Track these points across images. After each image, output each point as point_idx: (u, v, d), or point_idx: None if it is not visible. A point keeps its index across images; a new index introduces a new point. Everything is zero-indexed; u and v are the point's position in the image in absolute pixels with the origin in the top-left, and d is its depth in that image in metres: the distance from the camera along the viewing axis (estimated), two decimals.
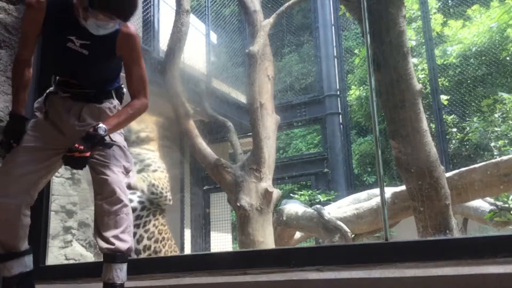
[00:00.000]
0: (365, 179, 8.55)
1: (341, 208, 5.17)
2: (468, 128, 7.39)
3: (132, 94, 2.02)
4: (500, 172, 4.06)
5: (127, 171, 2.04)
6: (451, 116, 7.61)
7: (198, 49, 8.09)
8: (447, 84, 7.74)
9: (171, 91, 5.18)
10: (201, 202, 8.36)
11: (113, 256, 1.88)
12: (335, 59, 8.60)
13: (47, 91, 2.09)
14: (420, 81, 6.55)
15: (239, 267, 2.19)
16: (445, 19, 8.23)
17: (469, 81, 7.73)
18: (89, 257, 4.70)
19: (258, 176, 4.73)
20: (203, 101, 6.84)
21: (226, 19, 9.26)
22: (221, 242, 8.40)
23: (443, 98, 7.24)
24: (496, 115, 7.06)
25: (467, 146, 7.46)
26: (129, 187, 4.10)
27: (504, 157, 4.19)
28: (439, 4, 8.59)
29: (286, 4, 5.83)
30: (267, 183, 4.79)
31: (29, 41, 1.98)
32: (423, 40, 7.55)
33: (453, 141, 7.58)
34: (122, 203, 1.93)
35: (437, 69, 7.41)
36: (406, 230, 4.71)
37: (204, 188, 8.41)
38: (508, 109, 6.93)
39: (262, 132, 4.84)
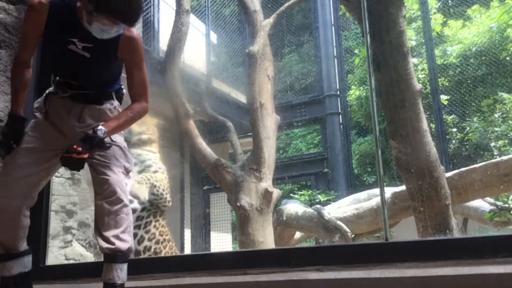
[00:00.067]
0: (365, 179, 8.55)
1: (341, 208, 5.17)
2: (468, 128, 7.39)
3: (132, 97, 2.02)
4: (500, 172, 4.06)
5: (127, 171, 2.04)
6: (451, 116, 7.61)
7: (198, 49, 8.09)
8: (447, 84, 7.74)
9: (171, 91, 5.19)
10: (201, 202, 8.36)
11: (113, 256, 1.88)
12: (335, 59, 8.60)
13: (47, 91, 2.08)
14: (420, 81, 6.55)
15: (239, 267, 2.19)
16: (445, 19, 8.23)
17: (469, 81, 7.73)
18: (89, 257, 4.70)
19: (258, 176, 4.73)
20: (203, 101, 6.84)
21: (226, 19, 9.26)
22: (221, 242, 8.40)
23: (443, 98, 7.24)
24: (496, 115, 7.06)
25: (467, 146, 7.46)
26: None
27: (504, 157, 4.19)
28: (439, 4, 8.59)
29: (286, 4, 5.83)
30: (267, 183, 4.79)
31: (30, 42, 1.97)
32: (423, 40, 7.55)
33: (453, 141, 7.59)
34: (123, 203, 1.93)
35: (437, 69, 7.41)
36: (406, 230, 4.71)
37: (204, 188, 8.41)
38: (508, 109, 6.93)
39: (262, 132, 4.84)
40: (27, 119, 2.02)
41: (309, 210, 5.20)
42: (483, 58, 7.63)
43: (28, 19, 1.94)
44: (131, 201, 2.25)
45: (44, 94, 2.09)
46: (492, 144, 6.96)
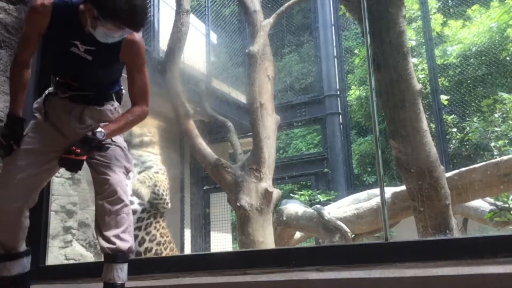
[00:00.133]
0: (365, 179, 8.55)
1: (341, 208, 5.17)
2: (468, 128, 7.39)
3: (133, 100, 2.01)
4: (500, 172, 4.06)
5: (127, 172, 2.04)
6: (451, 116, 7.62)
7: (198, 49, 8.09)
8: (447, 84, 7.74)
9: (171, 91, 5.19)
10: (201, 202, 8.36)
11: (114, 256, 1.88)
12: (335, 59, 8.60)
13: (46, 92, 2.07)
14: (420, 81, 6.55)
15: (239, 267, 2.19)
16: (445, 19, 8.24)
17: (469, 81, 7.73)
18: (89, 257, 4.70)
19: (258, 176, 4.73)
20: (203, 101, 6.84)
21: (226, 19, 9.26)
22: (221, 242, 8.40)
23: (443, 98, 7.24)
24: (496, 115, 7.06)
25: (467, 146, 7.46)
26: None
27: (504, 157, 4.19)
28: (439, 4, 8.59)
29: (286, 4, 5.83)
30: (267, 183, 4.79)
31: (30, 43, 1.97)
32: (423, 40, 7.55)
33: (453, 141, 7.59)
34: (123, 203, 1.93)
35: (437, 69, 7.41)
36: (406, 230, 4.71)
37: (204, 188, 8.41)
38: (508, 109, 6.93)
39: (262, 132, 4.84)
40: (26, 119, 2.01)
41: (309, 210, 5.20)
42: (483, 58, 7.63)
43: (30, 21, 1.93)
44: (131, 202, 2.25)
45: (44, 95, 2.08)
46: (492, 144, 6.97)
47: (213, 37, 8.94)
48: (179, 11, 5.38)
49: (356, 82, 8.82)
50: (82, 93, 2.00)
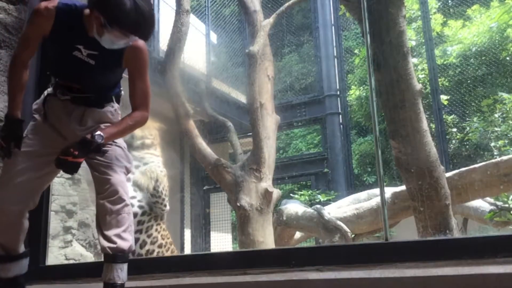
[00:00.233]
0: (365, 179, 8.55)
1: (341, 208, 5.17)
2: (468, 128, 7.39)
3: (133, 106, 2.00)
4: (500, 172, 4.06)
5: (128, 172, 2.05)
6: (451, 116, 7.62)
7: (198, 49, 8.09)
8: (447, 84, 7.75)
9: (171, 91, 5.19)
10: (201, 202, 8.36)
11: (114, 256, 1.88)
12: (335, 59, 8.61)
13: (45, 92, 2.06)
14: (420, 81, 6.55)
15: (239, 267, 2.19)
16: (445, 19, 8.24)
17: (469, 81, 7.73)
18: (89, 257, 4.70)
19: (258, 176, 4.73)
20: (203, 101, 6.84)
21: (226, 19, 9.27)
22: (221, 242, 8.40)
23: (443, 98, 7.24)
24: (496, 115, 7.06)
25: (467, 146, 7.46)
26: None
27: (504, 157, 4.19)
28: (439, 4, 8.59)
29: (286, 4, 5.83)
30: (267, 183, 4.79)
31: (31, 45, 1.95)
32: (423, 40, 7.56)
33: (453, 141, 7.59)
34: (124, 203, 1.93)
35: (437, 69, 7.41)
36: (406, 230, 4.71)
37: (204, 188, 8.42)
38: (508, 109, 6.94)
39: (262, 132, 4.84)
40: (24, 121, 1.99)
41: (309, 210, 5.20)
42: (483, 58, 7.63)
43: (32, 23, 1.91)
44: (131, 205, 2.25)
45: (43, 96, 2.07)
46: (492, 144, 6.97)
47: (213, 37, 8.94)
48: (179, 11, 5.37)
49: (356, 82, 8.82)
50: (83, 95, 1.99)
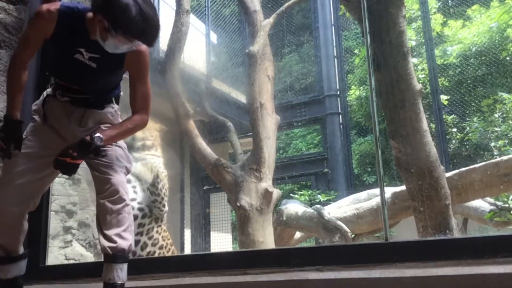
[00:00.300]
0: (365, 179, 8.55)
1: (341, 208, 5.17)
2: (468, 128, 7.39)
3: (133, 109, 2.00)
4: (500, 172, 4.06)
5: (128, 172, 2.05)
6: (451, 116, 7.62)
7: (198, 49, 8.09)
8: (447, 84, 7.75)
9: (171, 91, 5.19)
10: (201, 202, 8.36)
11: (114, 256, 1.88)
12: (335, 59, 8.61)
13: (45, 93, 2.05)
14: (420, 81, 6.55)
15: (239, 267, 2.19)
16: (445, 19, 8.24)
17: (469, 81, 7.73)
18: (89, 257, 4.70)
19: (258, 176, 4.73)
20: (203, 101, 6.85)
21: (226, 19, 9.27)
22: (221, 242, 8.40)
23: (443, 98, 7.25)
24: (496, 115, 7.06)
25: (467, 146, 7.46)
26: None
27: (504, 157, 4.19)
28: (439, 4, 8.59)
29: (286, 4, 5.84)
30: (267, 183, 4.79)
31: (31, 46, 1.94)
32: (423, 40, 7.56)
33: (453, 141, 7.59)
34: (124, 202, 1.93)
35: (437, 69, 7.41)
36: (406, 230, 4.71)
37: (204, 188, 8.42)
38: (508, 109, 6.94)
39: (262, 132, 4.84)
40: (23, 122, 1.97)
41: (309, 210, 5.20)
42: (483, 58, 7.63)
43: (34, 25, 1.89)
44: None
45: (42, 96, 2.06)
46: (492, 144, 6.97)
47: (213, 37, 8.94)
48: (179, 11, 5.38)
49: (356, 82, 8.82)
50: (83, 96, 1.99)
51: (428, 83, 7.24)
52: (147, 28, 1.75)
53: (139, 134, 4.38)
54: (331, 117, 8.45)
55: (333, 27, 8.69)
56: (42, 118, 2.02)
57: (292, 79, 10.41)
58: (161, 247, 4.29)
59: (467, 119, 7.52)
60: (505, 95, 6.96)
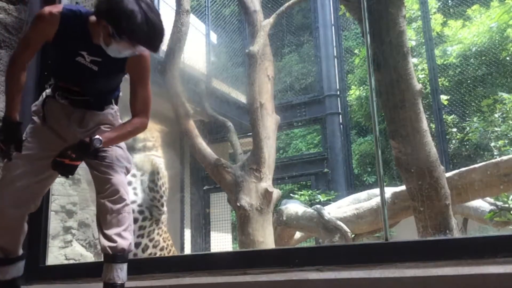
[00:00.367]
0: (365, 179, 8.55)
1: (341, 208, 5.17)
2: (468, 128, 7.39)
3: (133, 112, 2.00)
4: (500, 172, 4.06)
5: (128, 172, 2.05)
6: (451, 116, 7.62)
7: (198, 49, 8.09)
8: (447, 84, 7.75)
9: (171, 91, 5.19)
10: (201, 202, 8.36)
11: (113, 256, 1.88)
12: (335, 59, 8.61)
13: (44, 94, 2.05)
14: (420, 81, 6.55)
15: (239, 267, 2.19)
16: (445, 19, 8.24)
17: (469, 81, 7.73)
18: (89, 257, 4.70)
19: (258, 176, 4.73)
20: (203, 101, 6.85)
21: (226, 19, 9.27)
22: (221, 242, 8.40)
23: (443, 98, 7.25)
24: (496, 115, 7.06)
25: (467, 146, 7.47)
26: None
27: (504, 157, 4.19)
28: (439, 4, 8.59)
29: (286, 4, 5.84)
30: (267, 183, 4.79)
31: (32, 47, 1.92)
32: (423, 40, 7.56)
33: (453, 141, 7.59)
34: (125, 202, 1.93)
35: (437, 69, 7.42)
36: (406, 230, 4.71)
37: (204, 188, 8.42)
38: (508, 109, 6.94)
39: (262, 132, 4.84)
40: (22, 123, 1.95)
41: (309, 210, 5.20)
42: (483, 58, 7.63)
43: (35, 28, 1.88)
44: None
45: (41, 97, 2.05)
46: (492, 144, 6.97)
47: (213, 37, 8.94)
48: (179, 11, 5.37)
49: (356, 82, 8.82)
50: (83, 98, 1.99)
51: (428, 83, 7.24)
52: (152, 34, 1.75)
53: (140, 135, 4.38)
54: (331, 117, 8.45)
55: (333, 27, 8.69)
56: (41, 119, 2.01)
57: (292, 79, 10.41)
58: (162, 249, 4.30)
59: (467, 119, 7.52)
60: (505, 95, 6.96)
